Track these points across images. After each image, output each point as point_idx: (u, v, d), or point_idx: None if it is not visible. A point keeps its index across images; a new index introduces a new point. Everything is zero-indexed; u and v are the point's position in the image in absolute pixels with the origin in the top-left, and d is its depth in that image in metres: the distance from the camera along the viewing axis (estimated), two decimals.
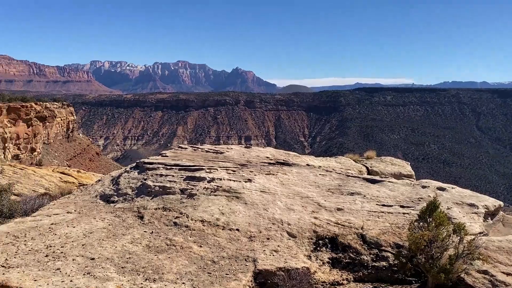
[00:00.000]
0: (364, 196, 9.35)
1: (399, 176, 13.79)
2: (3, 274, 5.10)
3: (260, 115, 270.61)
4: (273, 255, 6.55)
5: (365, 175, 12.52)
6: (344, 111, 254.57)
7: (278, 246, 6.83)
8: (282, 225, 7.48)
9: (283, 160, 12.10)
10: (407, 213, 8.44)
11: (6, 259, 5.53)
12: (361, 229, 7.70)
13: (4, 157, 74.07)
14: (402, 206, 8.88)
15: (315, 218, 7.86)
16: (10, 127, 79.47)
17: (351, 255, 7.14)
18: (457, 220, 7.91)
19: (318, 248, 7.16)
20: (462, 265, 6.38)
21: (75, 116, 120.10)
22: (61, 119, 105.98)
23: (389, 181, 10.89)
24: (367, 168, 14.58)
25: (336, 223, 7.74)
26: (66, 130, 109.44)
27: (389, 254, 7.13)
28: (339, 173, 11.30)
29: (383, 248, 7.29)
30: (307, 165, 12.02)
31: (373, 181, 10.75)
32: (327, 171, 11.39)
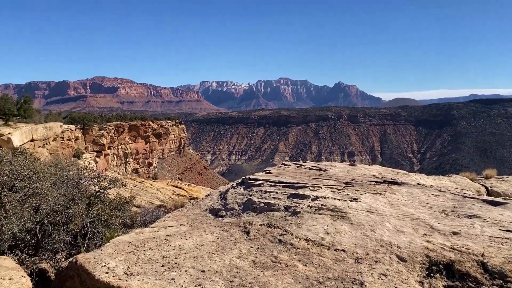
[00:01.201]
0: (484, 219, 8.48)
1: None
2: (126, 281, 5.58)
3: (364, 130, 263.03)
4: (381, 279, 6.24)
5: (485, 196, 11.40)
6: (458, 125, 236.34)
7: (387, 270, 6.48)
8: (391, 247, 7.10)
9: (391, 178, 11.55)
10: None
11: (128, 267, 6.03)
12: (482, 256, 6.98)
13: (125, 170, 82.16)
14: None
15: (428, 241, 7.33)
16: (131, 143, 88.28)
17: (470, 284, 6.49)
18: None
19: (432, 274, 6.64)
20: None
21: (186, 133, 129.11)
22: (174, 136, 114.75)
23: None
24: (486, 188, 13.33)
25: (451, 248, 7.13)
26: (178, 146, 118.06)
27: None
28: (454, 194, 10.44)
29: (509, 279, 6.52)
30: (418, 184, 11.32)
31: (495, 203, 9.73)
32: (440, 191, 10.60)
